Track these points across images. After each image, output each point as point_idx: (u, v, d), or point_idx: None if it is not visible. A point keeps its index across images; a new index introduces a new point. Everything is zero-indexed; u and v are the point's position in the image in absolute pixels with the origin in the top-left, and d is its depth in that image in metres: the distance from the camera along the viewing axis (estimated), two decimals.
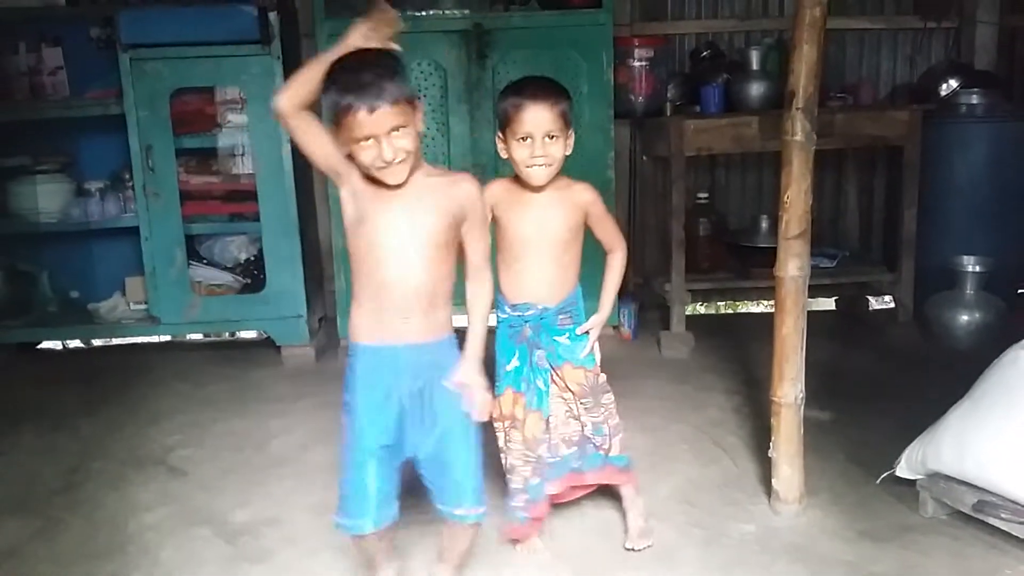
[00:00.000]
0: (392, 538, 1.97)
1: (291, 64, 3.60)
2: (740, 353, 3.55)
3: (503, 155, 2.09)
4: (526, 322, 2.12)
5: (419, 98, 1.79)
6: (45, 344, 4.17)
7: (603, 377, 2.19)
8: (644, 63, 3.83)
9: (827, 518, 2.29)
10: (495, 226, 2.12)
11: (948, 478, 2.22)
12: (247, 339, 4.29)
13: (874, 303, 4.30)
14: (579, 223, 2.12)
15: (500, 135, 2.07)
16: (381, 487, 1.83)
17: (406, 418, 1.81)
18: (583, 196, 2.11)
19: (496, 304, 2.15)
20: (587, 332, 2.16)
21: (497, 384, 2.13)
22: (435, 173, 1.83)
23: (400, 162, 1.71)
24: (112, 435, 2.99)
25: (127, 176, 3.74)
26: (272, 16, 3.50)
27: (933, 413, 2.33)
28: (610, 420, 2.19)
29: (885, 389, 3.17)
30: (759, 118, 3.51)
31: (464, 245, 1.84)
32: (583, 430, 2.18)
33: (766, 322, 2.37)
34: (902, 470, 2.34)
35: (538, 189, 2.07)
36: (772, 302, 2.30)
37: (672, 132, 3.55)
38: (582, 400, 2.16)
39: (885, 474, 2.38)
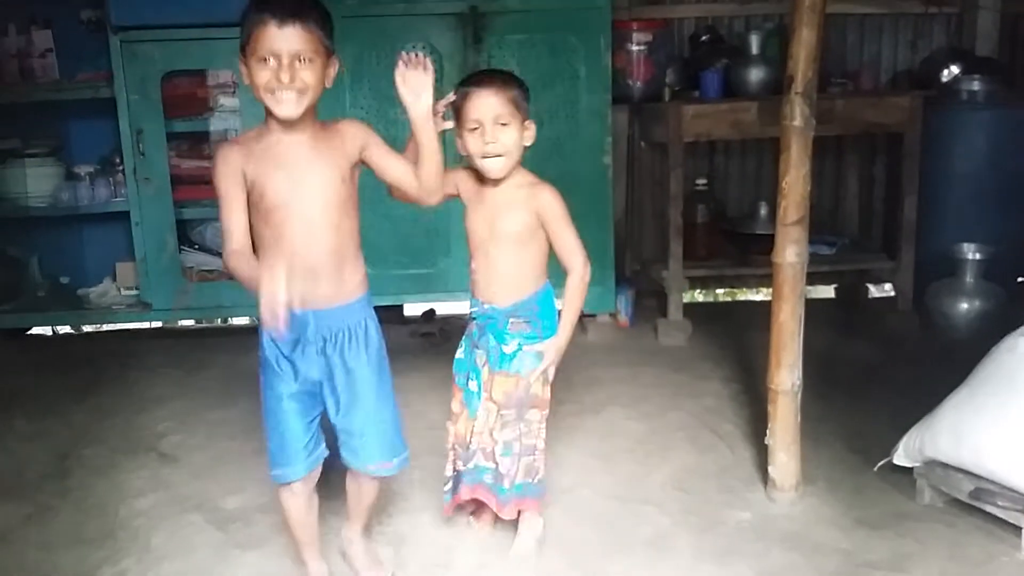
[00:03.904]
0: (317, 502, 1.97)
1: None
2: (738, 341, 3.53)
3: (462, 152, 2.01)
4: (474, 319, 2.08)
5: (336, 54, 1.74)
6: (35, 330, 4.14)
7: (538, 390, 2.02)
8: (642, 47, 3.77)
9: (823, 506, 2.28)
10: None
11: (945, 466, 2.21)
12: (239, 325, 4.25)
13: (874, 291, 4.28)
14: (539, 223, 1.99)
15: (456, 130, 1.99)
16: (300, 434, 1.84)
17: (314, 370, 1.81)
18: (540, 198, 1.97)
19: None
20: (539, 352, 2.01)
21: None
22: (322, 127, 1.77)
23: (295, 91, 1.64)
24: (103, 421, 2.96)
25: (117, 160, 3.69)
26: None
27: (931, 401, 2.31)
28: (524, 439, 2.01)
29: (883, 377, 3.15)
30: (758, 104, 3.47)
31: (380, 168, 1.81)
32: (494, 449, 2.02)
33: (764, 310, 2.35)
34: (899, 458, 2.33)
35: (496, 183, 1.99)
36: (770, 290, 2.28)
37: (671, 118, 3.51)
38: (503, 411, 2.00)
39: (882, 462, 2.37)
